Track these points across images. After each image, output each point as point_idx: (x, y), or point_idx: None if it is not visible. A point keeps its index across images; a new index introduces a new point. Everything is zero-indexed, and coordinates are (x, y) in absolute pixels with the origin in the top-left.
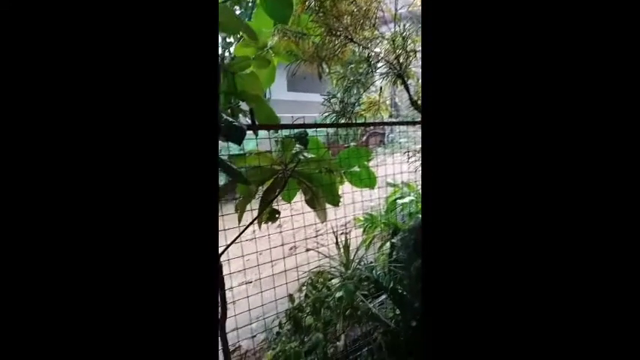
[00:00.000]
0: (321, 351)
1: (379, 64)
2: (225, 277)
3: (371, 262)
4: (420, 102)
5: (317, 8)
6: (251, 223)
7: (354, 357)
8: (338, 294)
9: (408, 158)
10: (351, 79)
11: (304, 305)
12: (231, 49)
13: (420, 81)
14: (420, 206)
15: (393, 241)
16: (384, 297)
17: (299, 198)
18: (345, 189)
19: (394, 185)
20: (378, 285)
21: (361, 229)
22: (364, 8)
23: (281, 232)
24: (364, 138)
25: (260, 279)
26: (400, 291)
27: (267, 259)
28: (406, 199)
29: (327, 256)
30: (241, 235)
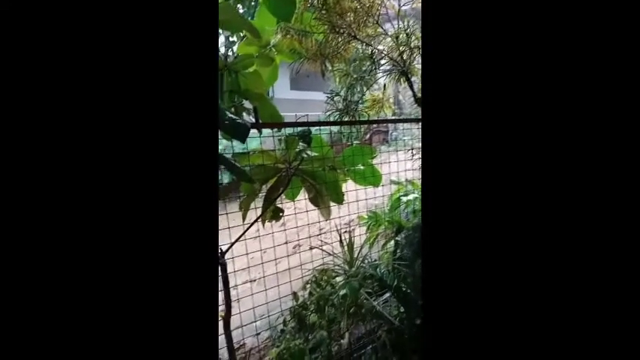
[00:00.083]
0: (325, 349)
1: (382, 62)
2: (229, 275)
3: (375, 260)
4: None
5: (320, 6)
6: (255, 221)
7: (359, 355)
8: (342, 292)
9: (412, 156)
10: (355, 76)
11: (308, 303)
12: (235, 48)
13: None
14: None
15: (397, 239)
16: (388, 295)
17: (302, 196)
18: (349, 187)
19: (398, 183)
20: (382, 283)
21: (365, 227)
22: (367, 5)
23: (285, 230)
24: (367, 136)
25: (264, 277)
26: (404, 289)
27: (271, 257)
28: (410, 197)
29: (331, 254)
30: (245, 233)
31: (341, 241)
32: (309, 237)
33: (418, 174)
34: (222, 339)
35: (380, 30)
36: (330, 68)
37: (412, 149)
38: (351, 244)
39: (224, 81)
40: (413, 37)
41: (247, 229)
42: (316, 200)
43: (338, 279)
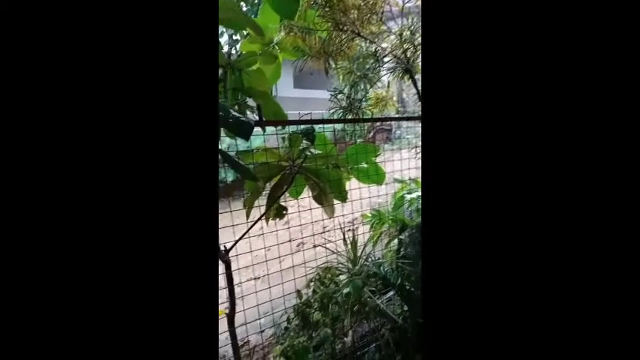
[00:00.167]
0: (329, 346)
1: (386, 59)
2: (233, 273)
3: (378, 259)
4: None
5: (323, 3)
6: (259, 219)
7: (362, 353)
8: (346, 290)
9: (416, 154)
10: (358, 74)
11: (312, 301)
12: (238, 46)
13: None
14: None
15: (400, 237)
16: (391, 293)
17: (306, 194)
18: (353, 185)
19: (401, 181)
20: (386, 281)
21: (369, 226)
22: (371, 2)
23: (288, 228)
24: (371, 134)
25: (268, 275)
26: (408, 287)
27: (274, 255)
28: (414, 195)
29: (334, 252)
30: (249, 231)
31: (344, 239)
32: (313, 235)
33: None
34: (226, 336)
35: (384, 27)
36: (333, 66)
37: (416, 147)
38: (354, 243)
39: (227, 79)
40: (417, 35)
41: (251, 226)
42: (320, 198)
43: (342, 277)
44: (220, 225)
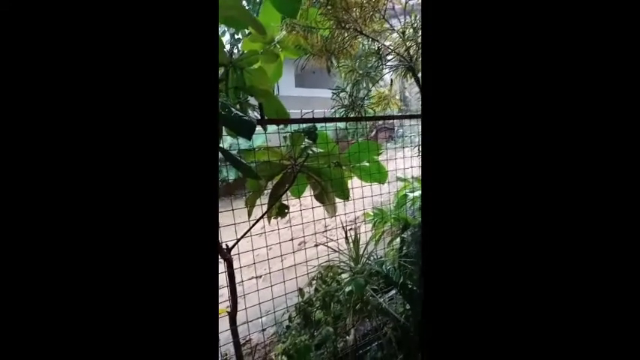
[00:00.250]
0: (330, 345)
1: (389, 57)
2: (235, 271)
3: (381, 257)
4: None
5: (325, 1)
6: (260, 217)
7: (364, 351)
8: (348, 288)
9: (418, 153)
10: (360, 72)
11: (314, 299)
12: (240, 45)
13: None
14: None
15: (402, 236)
16: (394, 292)
17: (308, 193)
18: (355, 184)
19: (404, 180)
20: (388, 280)
21: (371, 224)
22: (373, 0)
23: (290, 226)
24: (373, 133)
25: (270, 273)
26: (410, 286)
27: (276, 254)
28: (416, 194)
29: (336, 251)
30: (251, 230)
31: (346, 237)
32: (315, 234)
33: None
34: (228, 334)
35: (386, 25)
36: (335, 64)
37: (418, 146)
38: (356, 241)
39: (229, 78)
40: (419, 32)
41: (253, 225)
42: (322, 197)
43: (344, 276)
44: (222, 223)
